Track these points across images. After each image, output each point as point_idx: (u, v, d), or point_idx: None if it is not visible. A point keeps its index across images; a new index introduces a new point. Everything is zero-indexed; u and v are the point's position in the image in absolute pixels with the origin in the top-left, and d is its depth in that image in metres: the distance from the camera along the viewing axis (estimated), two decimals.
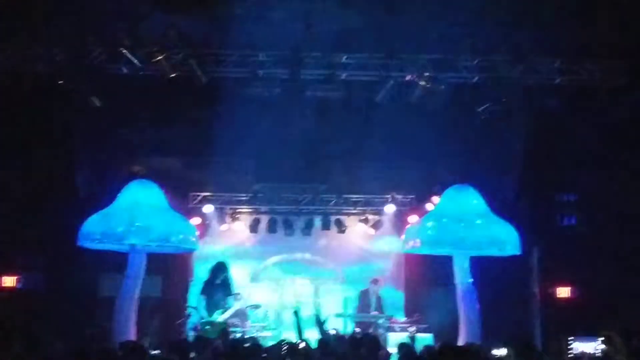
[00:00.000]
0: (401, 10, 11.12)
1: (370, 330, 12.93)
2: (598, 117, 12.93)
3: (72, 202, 13.63)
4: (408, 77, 12.04)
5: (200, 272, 14.95)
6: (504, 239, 12.52)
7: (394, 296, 15.56)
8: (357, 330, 13.08)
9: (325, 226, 15.81)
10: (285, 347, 8.45)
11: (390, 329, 13.36)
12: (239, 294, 13.90)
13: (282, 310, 15.24)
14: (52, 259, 13.82)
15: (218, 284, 12.86)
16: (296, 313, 9.94)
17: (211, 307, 12.72)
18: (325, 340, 8.88)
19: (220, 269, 13.10)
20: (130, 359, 7.11)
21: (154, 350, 9.51)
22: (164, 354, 8.46)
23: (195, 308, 13.04)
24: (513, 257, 12.96)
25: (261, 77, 12.31)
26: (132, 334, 11.81)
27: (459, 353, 6.71)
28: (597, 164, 13.75)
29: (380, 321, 13.54)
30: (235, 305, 13.19)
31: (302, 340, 9.11)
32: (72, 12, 11.27)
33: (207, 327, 12.33)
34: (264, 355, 8.22)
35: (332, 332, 9.76)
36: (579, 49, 11.79)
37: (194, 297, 14.23)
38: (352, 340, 9.54)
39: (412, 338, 9.33)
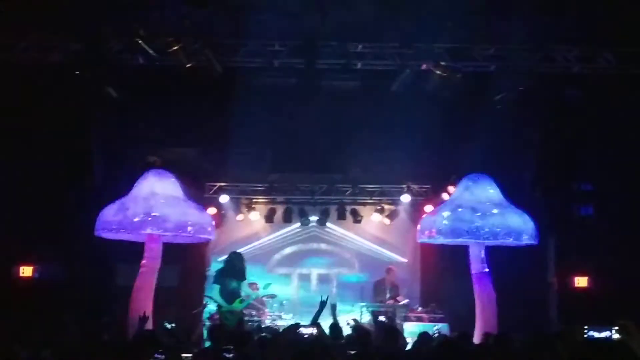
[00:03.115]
0: None
1: (386, 320, 12.93)
2: (616, 106, 12.83)
3: (89, 192, 13.68)
4: (424, 66, 11.95)
5: (216, 262, 15.00)
6: (520, 228, 12.46)
7: (410, 286, 15.57)
8: (382, 319, 13.05)
9: (341, 216, 15.79)
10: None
11: (406, 319, 13.36)
12: (255, 283, 13.96)
13: (298, 300, 15.27)
14: (69, 249, 13.86)
15: (232, 274, 12.90)
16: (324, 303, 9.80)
17: (227, 296, 12.77)
18: (338, 327, 8.78)
19: (235, 259, 13.14)
20: (145, 348, 7.12)
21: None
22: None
23: (212, 298, 13.10)
24: (529, 247, 12.90)
25: (277, 67, 12.30)
26: (148, 324, 11.86)
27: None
28: (614, 153, 13.65)
29: (396, 311, 13.56)
30: (251, 295, 13.25)
31: (315, 325, 9.04)
32: (88, 2, 11.29)
33: (227, 315, 12.35)
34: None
35: (351, 321, 9.69)
36: (596, 37, 11.68)
37: (210, 287, 14.28)
38: (371, 329, 9.51)
39: (437, 333, 9.21)
